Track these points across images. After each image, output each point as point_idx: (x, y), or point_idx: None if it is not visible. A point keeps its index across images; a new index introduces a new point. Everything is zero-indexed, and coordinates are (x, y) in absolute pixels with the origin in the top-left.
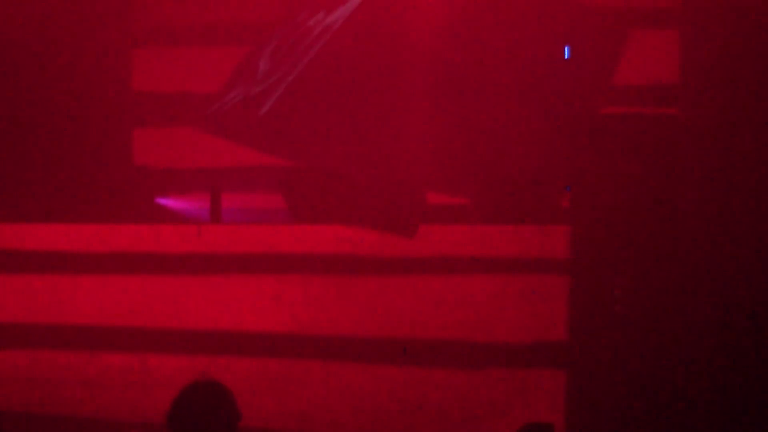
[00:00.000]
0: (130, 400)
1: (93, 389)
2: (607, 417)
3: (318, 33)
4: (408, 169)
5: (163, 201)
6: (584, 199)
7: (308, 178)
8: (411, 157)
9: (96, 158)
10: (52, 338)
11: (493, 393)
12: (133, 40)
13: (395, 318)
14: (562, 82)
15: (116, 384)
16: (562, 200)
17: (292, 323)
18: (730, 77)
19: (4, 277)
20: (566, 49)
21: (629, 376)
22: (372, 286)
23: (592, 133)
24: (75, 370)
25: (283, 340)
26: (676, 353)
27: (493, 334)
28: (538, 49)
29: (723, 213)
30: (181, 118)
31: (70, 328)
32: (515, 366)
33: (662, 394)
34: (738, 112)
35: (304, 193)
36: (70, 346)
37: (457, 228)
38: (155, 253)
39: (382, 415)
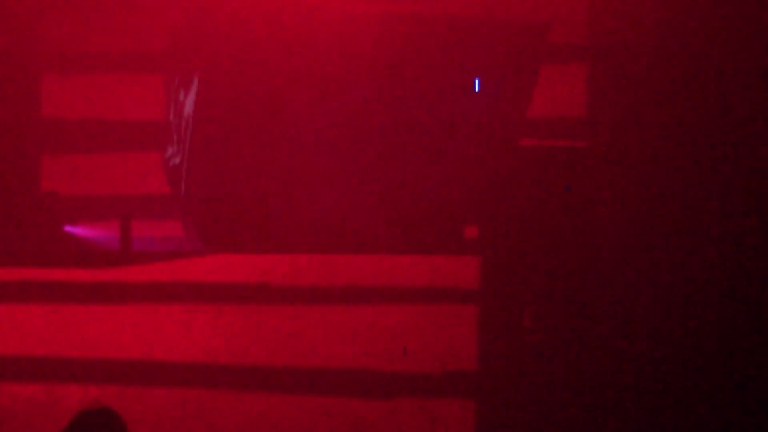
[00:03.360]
0: (34, 429)
1: None
2: None
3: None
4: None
5: (72, 228)
6: (494, 229)
7: (219, 206)
8: (323, 186)
9: (3, 184)
10: None
11: (403, 422)
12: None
13: (306, 347)
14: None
15: (22, 414)
16: (471, 231)
17: (202, 353)
18: (641, 109)
19: None
20: (476, 81)
21: (538, 405)
22: (283, 315)
23: (504, 164)
24: None
25: (193, 370)
26: (585, 383)
27: (403, 363)
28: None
29: (637, 243)
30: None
31: None
32: (425, 395)
33: (572, 423)
34: (649, 144)
35: (216, 222)
36: None
37: (367, 258)
38: (65, 282)
39: None
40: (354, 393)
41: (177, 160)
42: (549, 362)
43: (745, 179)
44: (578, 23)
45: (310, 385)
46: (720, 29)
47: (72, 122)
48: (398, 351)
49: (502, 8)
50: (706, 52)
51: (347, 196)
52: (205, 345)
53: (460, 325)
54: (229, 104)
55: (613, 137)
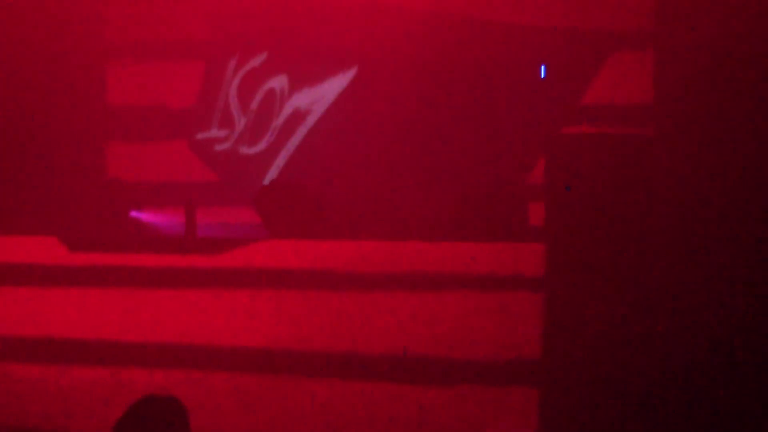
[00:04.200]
0: (100, 414)
1: (64, 403)
2: None
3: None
4: (381, 184)
5: (137, 214)
6: (558, 216)
7: (282, 193)
8: (385, 172)
9: (71, 171)
10: (20, 350)
11: (465, 410)
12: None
13: (368, 334)
14: (537, 102)
15: (87, 398)
16: (534, 219)
17: (265, 339)
18: (702, 97)
19: None
20: (542, 68)
21: (602, 394)
22: (345, 302)
23: (566, 152)
24: (45, 382)
25: (256, 356)
26: (647, 371)
27: (466, 351)
28: (514, 69)
29: (695, 231)
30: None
31: (42, 341)
32: (488, 384)
33: (634, 411)
34: (709, 132)
35: (279, 208)
36: (40, 359)
37: (432, 245)
38: (131, 266)
39: (355, 430)
40: (416, 380)
41: (229, 146)
42: (612, 352)
43: None
44: (645, 7)
45: (373, 371)
46: None
47: (136, 109)
48: (462, 338)
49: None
50: None
51: (413, 182)
52: (268, 331)
53: (523, 314)
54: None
55: (678, 125)
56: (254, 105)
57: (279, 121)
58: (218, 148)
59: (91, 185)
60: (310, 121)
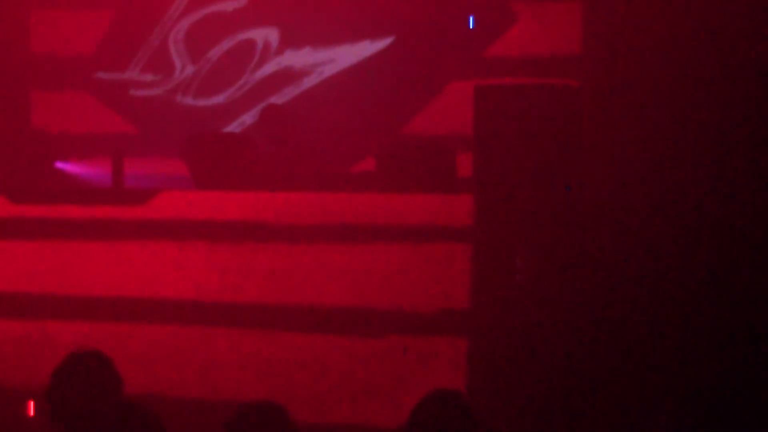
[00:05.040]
0: (28, 368)
1: None
2: (507, 385)
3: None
4: (311, 135)
5: (62, 165)
6: (487, 167)
7: (211, 143)
8: (316, 123)
9: None
10: None
11: (395, 361)
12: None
13: (298, 285)
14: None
15: (12, 351)
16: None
17: (195, 290)
18: (631, 47)
19: None
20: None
21: (529, 343)
22: (276, 254)
23: (494, 104)
24: None
25: (185, 308)
26: (572, 319)
27: (395, 302)
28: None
29: (625, 184)
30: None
31: None
32: (417, 334)
33: (561, 360)
34: (639, 82)
35: (208, 159)
36: None
37: (360, 196)
38: (57, 219)
39: (285, 382)
40: (346, 331)
41: (159, 93)
42: (539, 303)
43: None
44: None
45: (302, 322)
46: None
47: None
48: (390, 291)
49: None
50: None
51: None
52: (197, 283)
53: (452, 264)
54: None
55: (606, 76)
56: (214, 54)
57: (255, 75)
58: (136, 93)
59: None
60: (306, 82)
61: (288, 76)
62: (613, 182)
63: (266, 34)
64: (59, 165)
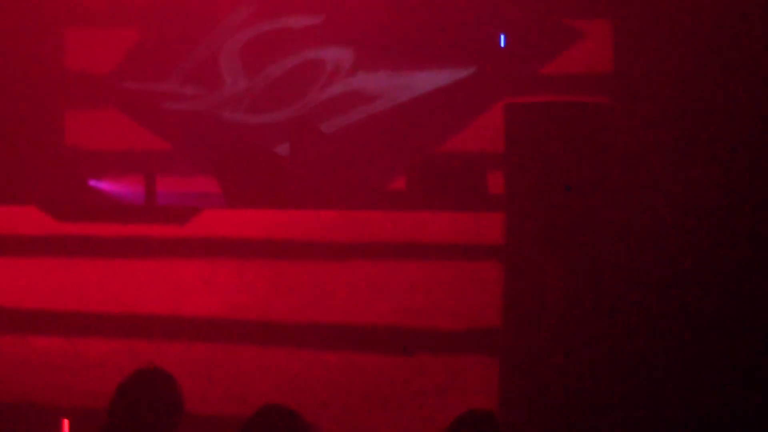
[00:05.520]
0: (58, 384)
1: (20, 372)
2: (539, 403)
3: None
4: (344, 154)
5: (96, 183)
6: (518, 186)
7: (243, 162)
8: (347, 142)
9: (28, 139)
10: None
11: (426, 379)
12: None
13: (328, 304)
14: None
15: (44, 368)
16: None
17: (224, 308)
18: (665, 66)
19: None
20: (502, 37)
21: (561, 362)
22: (306, 271)
23: (524, 122)
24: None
25: (214, 325)
26: (606, 340)
27: (426, 320)
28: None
29: (656, 201)
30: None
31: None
32: (449, 352)
33: (593, 379)
34: (672, 101)
35: (239, 178)
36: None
37: (391, 214)
38: (88, 236)
39: (315, 400)
40: (377, 349)
41: (202, 106)
42: (571, 320)
43: None
44: None
45: (332, 340)
46: None
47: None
48: (421, 308)
49: None
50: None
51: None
52: (227, 300)
53: (484, 283)
54: None
55: (638, 94)
56: (274, 70)
57: (321, 96)
58: (172, 106)
59: (50, 153)
60: (377, 106)
61: (358, 98)
62: (646, 201)
63: (338, 54)
64: (92, 183)
